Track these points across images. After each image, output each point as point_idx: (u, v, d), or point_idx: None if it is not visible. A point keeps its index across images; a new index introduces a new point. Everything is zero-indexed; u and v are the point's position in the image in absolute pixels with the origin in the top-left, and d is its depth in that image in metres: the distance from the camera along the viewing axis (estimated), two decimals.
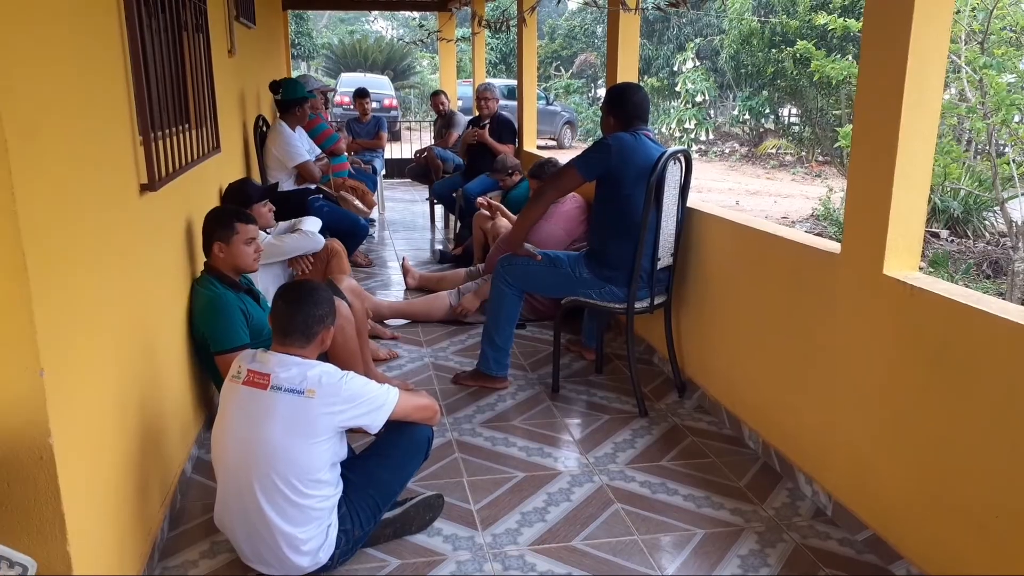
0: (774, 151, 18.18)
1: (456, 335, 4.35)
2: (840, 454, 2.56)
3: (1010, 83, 6.69)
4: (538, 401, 3.50)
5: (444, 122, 7.83)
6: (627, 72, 4.40)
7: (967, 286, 7.08)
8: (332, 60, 28.23)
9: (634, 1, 3.67)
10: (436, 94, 8.06)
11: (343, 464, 2.23)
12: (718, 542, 2.44)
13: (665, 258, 3.41)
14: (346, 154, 6.38)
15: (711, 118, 19.98)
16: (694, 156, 18.22)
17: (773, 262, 2.94)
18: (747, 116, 18.80)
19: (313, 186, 5.13)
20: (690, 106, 18.45)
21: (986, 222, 9.12)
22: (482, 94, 6.61)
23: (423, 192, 8.26)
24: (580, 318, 4.12)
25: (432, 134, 8.38)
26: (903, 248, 2.30)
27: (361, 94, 7.93)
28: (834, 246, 2.61)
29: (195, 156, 3.16)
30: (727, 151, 19.31)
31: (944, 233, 8.97)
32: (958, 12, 6.62)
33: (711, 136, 19.64)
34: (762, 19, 15.20)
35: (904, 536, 2.28)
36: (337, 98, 16.74)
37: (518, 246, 3.50)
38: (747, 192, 13.34)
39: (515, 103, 7.02)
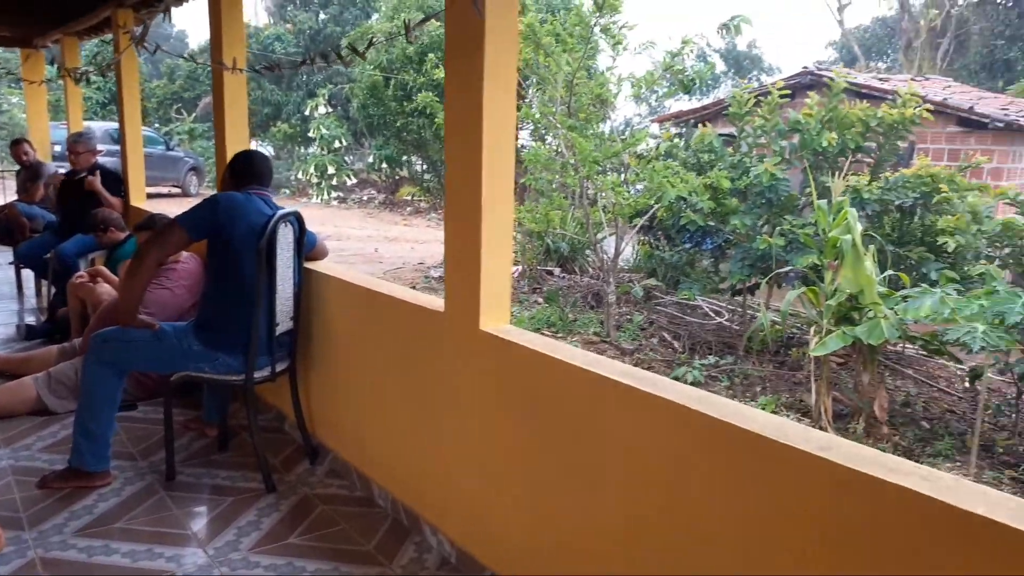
0: (410, 198, 19.04)
1: (45, 427, 3.70)
2: (459, 502, 2.66)
3: (592, 137, 7.76)
4: (150, 493, 3.11)
5: (29, 174, 6.78)
6: (236, 128, 4.24)
7: (575, 317, 8.07)
8: None
9: (232, 62, 3.53)
10: (17, 143, 6.90)
11: None
12: None
13: (284, 322, 3.28)
14: None
15: (348, 164, 20.27)
16: (333, 204, 18.46)
17: (387, 320, 2.98)
18: (383, 164, 19.42)
19: None
20: (327, 152, 18.56)
21: (588, 259, 10.50)
22: (72, 147, 5.76)
23: (7, 255, 7.03)
24: (200, 392, 3.79)
25: (16, 187, 7.21)
26: (495, 305, 2.48)
27: None
28: (439, 303, 2.72)
29: None
30: (366, 198, 19.76)
31: (557, 271, 10.16)
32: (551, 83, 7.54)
33: (352, 181, 19.92)
34: (386, 75, 15.87)
35: (520, 573, 2.42)
36: None
37: (132, 317, 3.09)
38: (386, 239, 13.73)
39: None
